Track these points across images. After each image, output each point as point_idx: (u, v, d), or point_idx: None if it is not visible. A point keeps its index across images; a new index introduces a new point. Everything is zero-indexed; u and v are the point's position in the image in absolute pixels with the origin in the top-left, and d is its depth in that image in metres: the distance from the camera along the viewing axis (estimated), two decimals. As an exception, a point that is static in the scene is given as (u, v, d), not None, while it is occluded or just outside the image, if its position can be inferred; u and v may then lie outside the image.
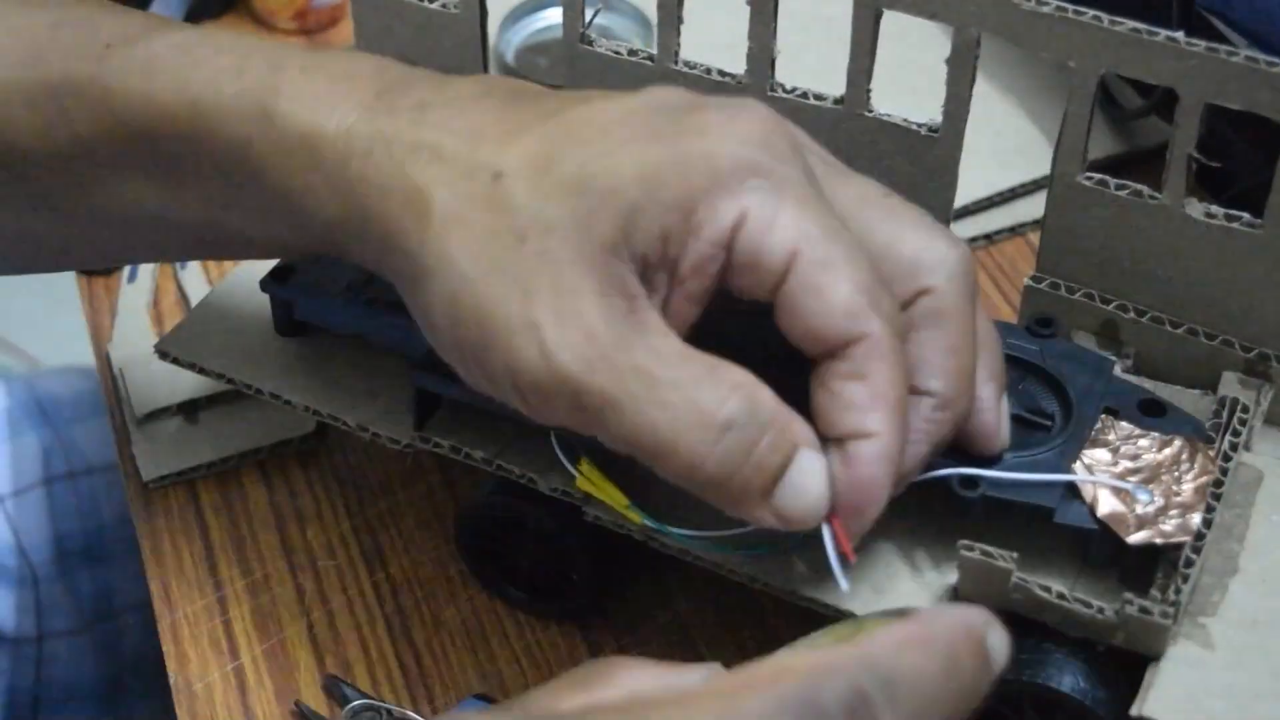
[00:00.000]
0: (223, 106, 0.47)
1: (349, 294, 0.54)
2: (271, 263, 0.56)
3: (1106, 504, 0.46)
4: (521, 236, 0.42)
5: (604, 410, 0.42)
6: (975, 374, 0.46)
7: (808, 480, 0.42)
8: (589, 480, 0.50)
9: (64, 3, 0.51)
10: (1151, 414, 0.50)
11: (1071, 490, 0.47)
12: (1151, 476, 0.47)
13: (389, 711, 0.54)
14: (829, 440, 0.43)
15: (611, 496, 0.50)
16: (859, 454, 0.42)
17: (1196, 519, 0.46)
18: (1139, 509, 0.46)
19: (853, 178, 0.46)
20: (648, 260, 0.42)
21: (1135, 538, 0.46)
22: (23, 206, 0.51)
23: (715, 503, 0.43)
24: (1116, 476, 0.47)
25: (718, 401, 0.41)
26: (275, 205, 0.47)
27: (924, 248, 0.45)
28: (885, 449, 0.42)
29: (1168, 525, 0.46)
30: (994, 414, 0.47)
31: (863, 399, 0.42)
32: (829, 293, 0.42)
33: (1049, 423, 0.49)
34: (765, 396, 0.42)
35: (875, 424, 0.42)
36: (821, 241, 0.42)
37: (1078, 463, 0.48)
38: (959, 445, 0.47)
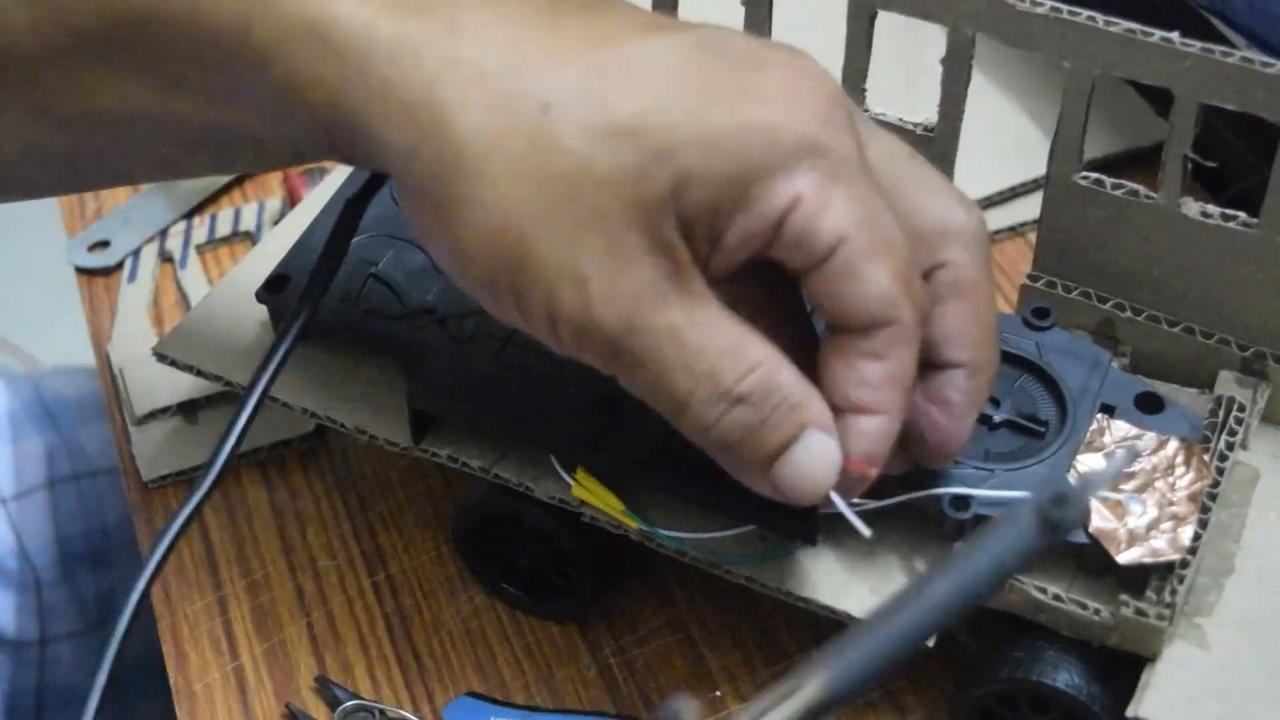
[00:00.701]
0: None
1: (344, 305, 0.54)
2: (266, 271, 0.56)
3: (1098, 517, 0.46)
4: (573, 185, 0.41)
5: (632, 366, 0.42)
6: (996, 338, 0.46)
7: (812, 461, 0.43)
8: (585, 489, 0.50)
9: None
10: (1149, 409, 0.50)
11: None
12: (1146, 483, 0.47)
13: (381, 712, 0.54)
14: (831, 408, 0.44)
15: (608, 504, 0.50)
16: (861, 428, 0.43)
17: (1188, 533, 0.46)
18: (1131, 521, 0.46)
19: (879, 134, 0.46)
20: (691, 226, 0.42)
21: (1125, 557, 0.46)
22: (26, 117, 0.48)
23: (721, 464, 0.44)
24: (1110, 484, 0.47)
25: (735, 377, 0.42)
26: (281, 100, 0.44)
27: (947, 216, 0.45)
28: (888, 427, 0.43)
29: (1159, 542, 0.46)
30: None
31: (877, 378, 0.43)
32: (868, 281, 0.42)
33: (1043, 429, 0.49)
34: (785, 376, 0.42)
35: (885, 404, 0.43)
36: (868, 229, 0.42)
37: (1071, 472, 0.47)
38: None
